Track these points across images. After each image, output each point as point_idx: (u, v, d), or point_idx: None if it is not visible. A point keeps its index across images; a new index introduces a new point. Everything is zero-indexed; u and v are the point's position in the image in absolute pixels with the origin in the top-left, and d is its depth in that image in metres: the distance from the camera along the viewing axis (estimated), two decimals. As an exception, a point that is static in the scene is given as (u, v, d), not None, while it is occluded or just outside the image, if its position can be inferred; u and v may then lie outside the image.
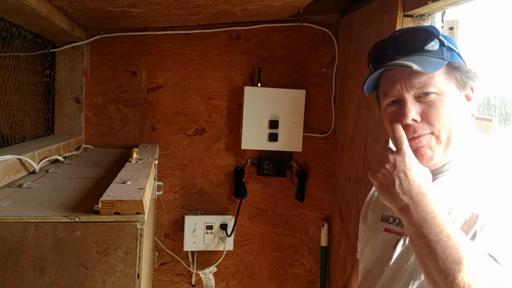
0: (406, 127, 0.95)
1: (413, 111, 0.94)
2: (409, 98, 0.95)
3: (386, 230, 1.07)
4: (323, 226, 2.15)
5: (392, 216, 1.07)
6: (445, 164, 1.00)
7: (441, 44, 0.97)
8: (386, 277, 1.01)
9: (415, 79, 0.95)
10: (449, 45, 0.98)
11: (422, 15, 1.48)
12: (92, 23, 1.83)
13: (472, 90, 1.00)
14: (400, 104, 0.97)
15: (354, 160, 1.87)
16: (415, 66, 0.91)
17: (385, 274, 1.01)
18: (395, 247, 1.01)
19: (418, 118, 0.95)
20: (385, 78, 1.01)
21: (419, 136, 0.95)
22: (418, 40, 0.98)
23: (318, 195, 2.17)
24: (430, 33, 0.98)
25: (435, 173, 1.00)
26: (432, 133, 0.95)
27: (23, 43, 1.60)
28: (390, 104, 1.00)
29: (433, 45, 0.96)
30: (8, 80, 1.47)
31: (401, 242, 1.00)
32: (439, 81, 0.95)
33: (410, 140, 0.96)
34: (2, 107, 1.45)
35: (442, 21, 1.48)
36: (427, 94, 0.94)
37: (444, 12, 1.45)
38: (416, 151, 0.95)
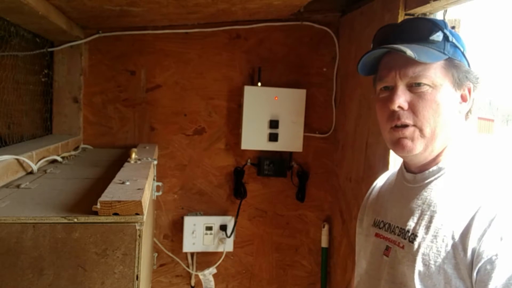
0: (392, 113, 0.97)
1: (401, 98, 0.95)
2: (401, 86, 0.96)
3: (376, 235, 1.07)
4: (323, 227, 2.14)
5: (382, 221, 1.07)
6: (437, 164, 0.99)
7: (445, 38, 0.96)
8: None
9: (410, 68, 0.95)
10: (454, 41, 0.97)
11: (424, 14, 1.47)
12: (90, 22, 1.82)
13: (469, 91, 0.99)
14: (391, 91, 0.97)
15: (355, 160, 1.86)
16: (409, 52, 0.91)
17: (381, 287, 1.01)
18: (384, 254, 1.01)
19: (405, 106, 0.95)
20: (384, 63, 1.01)
21: (402, 126, 0.96)
22: (422, 29, 0.98)
23: (319, 196, 2.16)
24: (436, 25, 0.97)
25: (430, 175, 0.99)
26: (415, 125, 0.95)
27: (21, 42, 1.58)
28: (382, 90, 1.01)
29: (437, 36, 0.96)
30: (6, 80, 1.45)
31: (392, 252, 0.99)
32: (434, 74, 0.95)
33: (394, 129, 0.97)
34: (0, 107, 1.43)
35: (444, 20, 1.47)
36: (419, 85, 0.95)
37: (446, 11, 1.44)
38: (398, 142, 0.97)
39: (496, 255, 0.82)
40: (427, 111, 0.94)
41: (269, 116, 1.99)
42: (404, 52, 0.91)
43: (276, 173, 2.08)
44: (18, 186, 1.12)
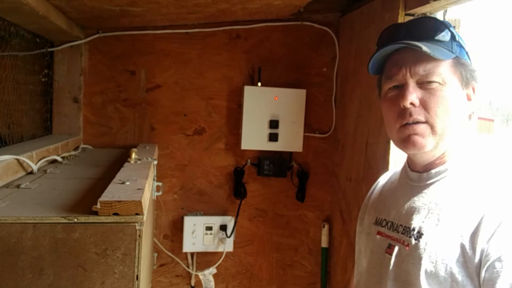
0: (403, 111, 0.96)
1: (413, 95, 0.95)
2: (411, 83, 0.96)
3: (379, 233, 1.07)
4: (323, 227, 2.14)
5: (385, 219, 1.06)
6: (443, 164, 0.99)
7: (452, 37, 0.97)
8: None
9: (421, 65, 0.95)
10: (460, 41, 0.98)
11: (424, 14, 1.47)
12: (90, 22, 1.82)
13: (473, 90, 1.00)
14: (401, 89, 0.97)
15: (355, 160, 1.86)
16: (424, 48, 0.91)
17: (384, 284, 1.01)
18: (387, 252, 1.01)
19: (417, 102, 0.95)
20: (392, 61, 1.01)
21: (414, 123, 0.96)
22: (429, 28, 0.98)
23: (319, 196, 2.16)
24: (443, 24, 0.98)
25: (436, 175, 1.00)
26: (427, 122, 0.95)
27: (21, 42, 1.58)
28: (391, 89, 1.01)
29: (444, 36, 0.97)
30: (6, 80, 1.45)
31: (396, 250, 0.99)
32: (444, 72, 0.95)
33: (403, 127, 0.97)
34: (0, 107, 1.43)
35: (444, 20, 1.47)
36: (430, 82, 0.95)
37: (446, 11, 1.45)
38: (408, 138, 0.97)
39: (506, 254, 0.83)
40: (438, 107, 0.94)
41: (269, 116, 1.99)
42: (420, 48, 0.91)
43: (276, 173, 2.07)
44: (18, 186, 1.12)
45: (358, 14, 1.86)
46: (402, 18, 1.50)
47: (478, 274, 0.85)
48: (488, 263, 0.83)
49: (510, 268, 0.82)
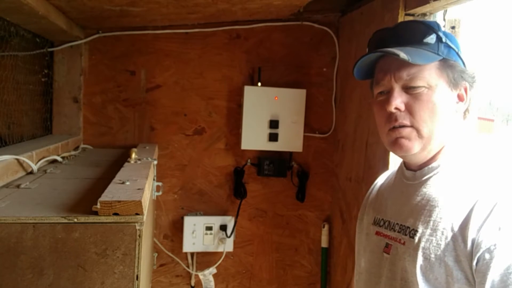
0: (390, 115, 0.98)
1: (397, 100, 0.96)
2: (397, 88, 0.97)
3: (377, 233, 1.08)
4: (323, 227, 2.14)
5: (382, 219, 1.08)
6: (436, 161, 1.00)
7: (439, 39, 0.98)
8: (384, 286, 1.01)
9: (405, 70, 0.96)
10: (448, 42, 0.98)
11: (424, 14, 1.47)
12: (90, 22, 1.82)
13: (465, 90, 1.00)
14: (388, 94, 0.99)
15: (355, 160, 1.86)
16: (402, 55, 0.92)
17: (382, 284, 1.02)
18: (384, 251, 1.02)
19: (402, 107, 0.96)
20: (379, 67, 1.03)
21: (400, 126, 0.97)
22: (415, 32, 0.99)
23: (319, 196, 2.16)
24: (429, 27, 0.99)
25: (429, 171, 1.01)
26: (412, 126, 0.96)
27: (21, 42, 1.58)
28: (380, 94, 1.02)
29: (430, 39, 0.97)
30: (6, 80, 1.45)
31: (393, 249, 1.00)
32: (428, 75, 0.96)
33: (391, 130, 0.99)
34: (0, 107, 1.43)
35: (444, 20, 1.48)
36: (415, 87, 0.96)
37: (446, 11, 1.45)
38: (396, 141, 0.99)
39: (495, 245, 0.83)
40: (423, 111, 0.95)
41: (269, 116, 1.99)
42: (398, 55, 0.92)
43: (276, 173, 2.07)
44: (18, 186, 1.12)
45: (358, 14, 1.86)
46: (402, 18, 1.49)
47: (471, 266, 0.85)
48: (478, 254, 0.84)
49: (499, 259, 0.82)
